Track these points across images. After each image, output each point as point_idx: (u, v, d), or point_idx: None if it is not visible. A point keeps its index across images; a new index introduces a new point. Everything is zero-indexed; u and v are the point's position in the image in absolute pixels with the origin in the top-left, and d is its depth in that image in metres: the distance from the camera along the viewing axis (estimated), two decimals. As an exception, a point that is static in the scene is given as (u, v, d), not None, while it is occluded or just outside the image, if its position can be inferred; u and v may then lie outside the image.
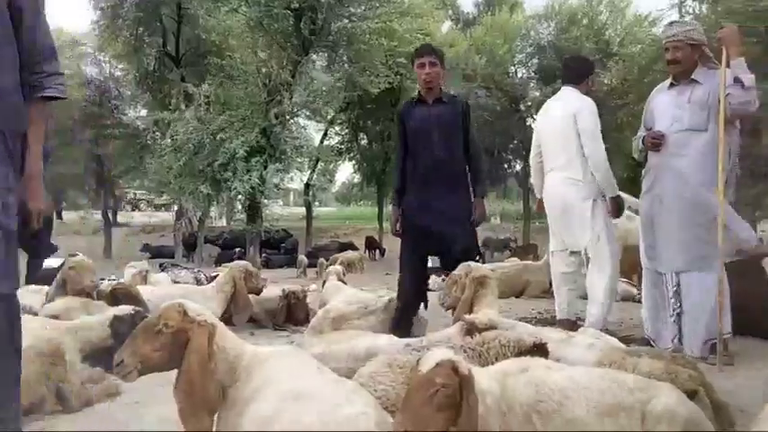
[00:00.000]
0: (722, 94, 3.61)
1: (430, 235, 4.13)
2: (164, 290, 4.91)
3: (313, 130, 19.38)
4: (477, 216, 4.18)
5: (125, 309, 3.56)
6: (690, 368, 2.53)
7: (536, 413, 1.94)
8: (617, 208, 4.32)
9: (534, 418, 1.94)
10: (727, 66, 3.63)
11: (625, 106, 13.80)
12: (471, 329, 2.84)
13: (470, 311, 3.28)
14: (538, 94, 18.23)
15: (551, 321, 4.79)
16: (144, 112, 20.25)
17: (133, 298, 4.19)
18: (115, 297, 4.19)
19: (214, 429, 2.17)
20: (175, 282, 6.87)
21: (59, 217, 31.03)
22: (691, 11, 12.34)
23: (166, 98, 17.02)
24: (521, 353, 2.47)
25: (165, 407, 2.46)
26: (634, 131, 4.43)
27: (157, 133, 15.17)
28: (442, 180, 4.11)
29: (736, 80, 3.60)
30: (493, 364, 2.43)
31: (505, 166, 21.12)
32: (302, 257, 13.90)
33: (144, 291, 4.54)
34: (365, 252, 18.71)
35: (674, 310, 3.88)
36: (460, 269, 3.54)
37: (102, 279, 5.23)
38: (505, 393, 2.00)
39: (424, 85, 4.22)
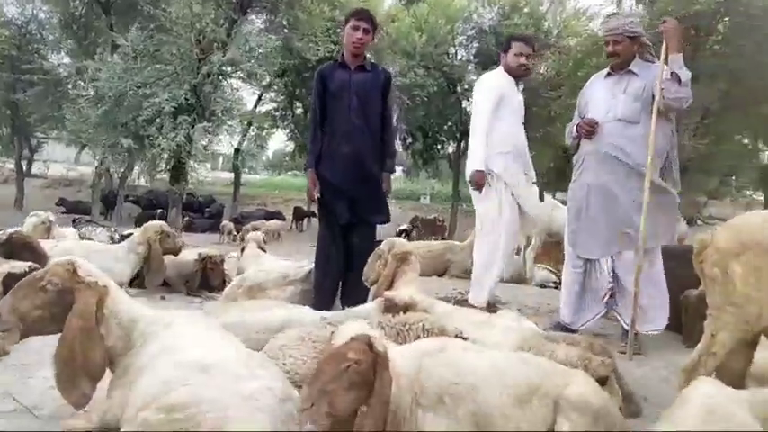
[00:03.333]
0: (658, 86, 3.65)
1: (346, 202, 4.05)
2: (67, 245, 4.56)
3: (247, 94, 18.79)
4: (384, 190, 4.15)
5: (21, 265, 3.28)
6: (603, 355, 2.55)
7: (448, 395, 1.88)
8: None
9: (446, 400, 1.88)
10: (666, 60, 3.66)
11: (558, 98, 14.03)
12: (390, 306, 2.76)
13: (391, 287, 3.21)
14: (474, 77, 18.29)
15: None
16: (67, 60, 18.99)
17: (31, 250, 3.88)
18: (11, 247, 3.86)
19: (104, 398, 2.02)
20: (89, 239, 6.48)
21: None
22: (628, 9, 12.62)
23: (92, 46, 16.03)
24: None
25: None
26: (565, 123, 4.45)
27: (80, 82, 14.23)
28: (357, 148, 4.03)
29: (674, 75, 3.64)
30: (411, 344, 2.37)
31: (438, 147, 21.17)
32: (226, 223, 13.55)
33: (45, 244, 4.20)
34: (293, 222, 18.43)
35: (606, 293, 3.93)
36: (384, 244, 3.46)
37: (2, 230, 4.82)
38: (420, 373, 1.93)
39: (352, 48, 4.08)
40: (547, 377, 1.96)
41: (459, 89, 18.42)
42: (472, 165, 4.35)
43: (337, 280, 4.12)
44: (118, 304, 2.09)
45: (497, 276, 4.44)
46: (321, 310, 3.21)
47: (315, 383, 1.74)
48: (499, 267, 4.39)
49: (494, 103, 4.33)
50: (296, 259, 5.42)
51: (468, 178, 4.40)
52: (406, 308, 2.74)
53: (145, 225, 4.89)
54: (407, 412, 1.85)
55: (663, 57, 3.66)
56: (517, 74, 4.48)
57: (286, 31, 14.76)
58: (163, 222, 4.97)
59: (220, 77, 12.83)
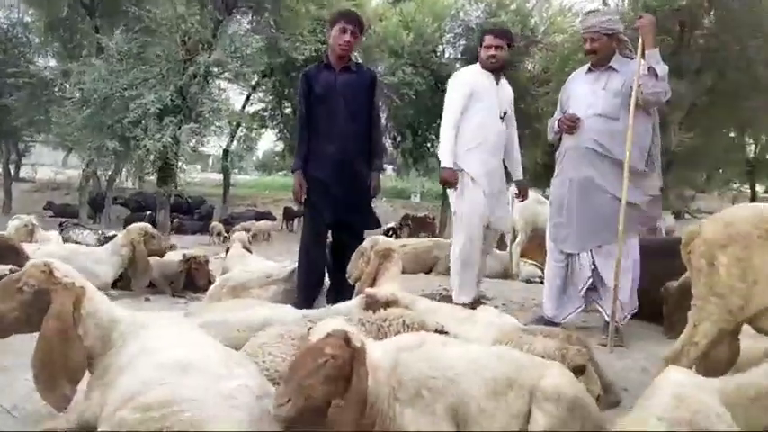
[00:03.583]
0: (636, 81, 3.68)
1: (334, 204, 4.04)
2: (50, 249, 4.55)
3: (235, 95, 18.71)
4: (372, 190, 4.15)
5: (1, 268, 3.27)
6: (580, 346, 2.58)
7: (426, 389, 1.90)
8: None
9: (424, 394, 1.90)
10: (643, 55, 3.69)
11: (545, 95, 14.09)
12: (372, 303, 2.78)
13: (373, 284, 3.22)
14: (461, 75, 18.20)
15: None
16: (53, 63, 18.86)
17: (13, 251, 3.86)
18: (-7, 249, 3.85)
19: (83, 398, 2.02)
20: (76, 242, 6.47)
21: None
22: (613, 5, 12.71)
23: (77, 48, 15.93)
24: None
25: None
26: (553, 120, 4.44)
27: (65, 85, 14.17)
28: (344, 149, 4.03)
29: (650, 70, 3.67)
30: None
31: (428, 145, 21.15)
32: (215, 224, 13.50)
33: (28, 248, 4.19)
34: (283, 223, 18.38)
35: (584, 284, 3.95)
36: (367, 242, 3.48)
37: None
38: (398, 368, 1.94)
39: (338, 51, 4.07)
40: (524, 369, 1.99)
41: (447, 86, 18.40)
42: (441, 162, 4.34)
43: (320, 280, 4.13)
44: (96, 305, 2.09)
45: (475, 273, 4.43)
46: (303, 309, 3.21)
47: (291, 378, 1.76)
48: (475, 265, 4.38)
49: (464, 99, 4.31)
50: (285, 259, 5.43)
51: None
52: (388, 304, 2.75)
53: (128, 227, 4.90)
54: (385, 404, 1.86)
55: (639, 52, 3.69)
56: (488, 66, 4.39)
57: (273, 30, 14.71)
58: (146, 224, 4.98)
59: (207, 78, 12.77)
